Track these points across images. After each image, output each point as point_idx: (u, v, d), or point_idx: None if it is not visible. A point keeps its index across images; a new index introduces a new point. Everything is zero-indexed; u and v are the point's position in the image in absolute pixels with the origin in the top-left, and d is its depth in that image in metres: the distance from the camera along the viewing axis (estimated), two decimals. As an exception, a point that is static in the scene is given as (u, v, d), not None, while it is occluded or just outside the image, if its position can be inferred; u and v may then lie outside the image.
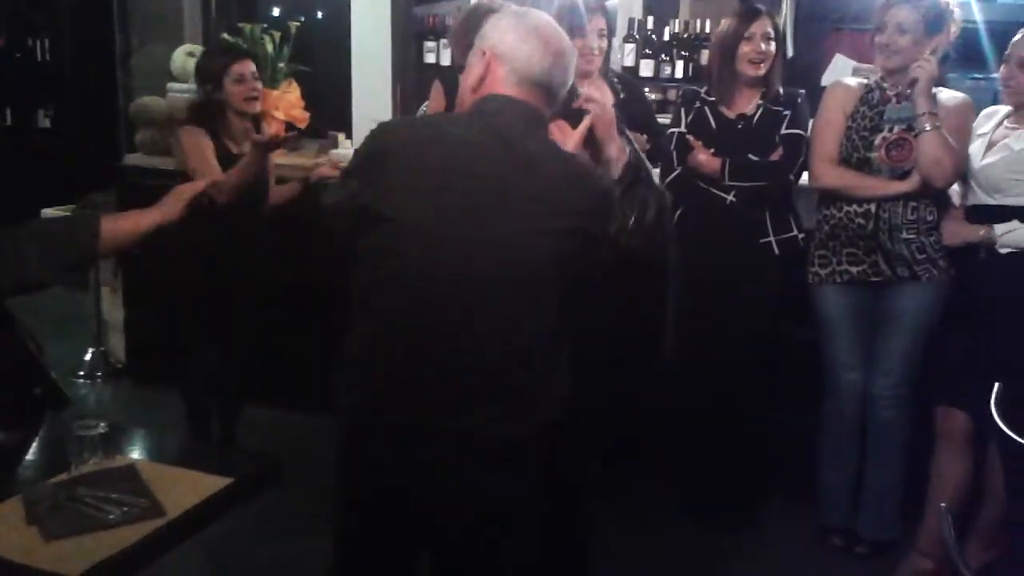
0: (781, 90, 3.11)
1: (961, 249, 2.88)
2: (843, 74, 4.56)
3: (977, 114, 2.97)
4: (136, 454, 1.97)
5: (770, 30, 3.07)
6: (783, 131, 3.06)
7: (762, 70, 3.07)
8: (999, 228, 2.78)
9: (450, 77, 3.57)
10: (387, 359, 1.73)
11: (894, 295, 2.94)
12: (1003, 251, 2.79)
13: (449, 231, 1.69)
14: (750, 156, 3.05)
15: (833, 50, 4.54)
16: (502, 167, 1.72)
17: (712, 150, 3.07)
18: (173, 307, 3.52)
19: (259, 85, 3.36)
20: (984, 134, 2.88)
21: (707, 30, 4.45)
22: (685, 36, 4.49)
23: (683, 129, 3.13)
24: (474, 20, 3.48)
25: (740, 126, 3.09)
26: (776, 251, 3.07)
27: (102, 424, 1.85)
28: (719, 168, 3.02)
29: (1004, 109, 2.89)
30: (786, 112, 3.06)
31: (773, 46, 3.07)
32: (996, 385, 2.04)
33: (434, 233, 1.69)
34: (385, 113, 4.73)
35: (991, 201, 2.82)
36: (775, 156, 3.05)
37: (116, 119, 4.67)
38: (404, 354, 1.72)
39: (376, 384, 1.75)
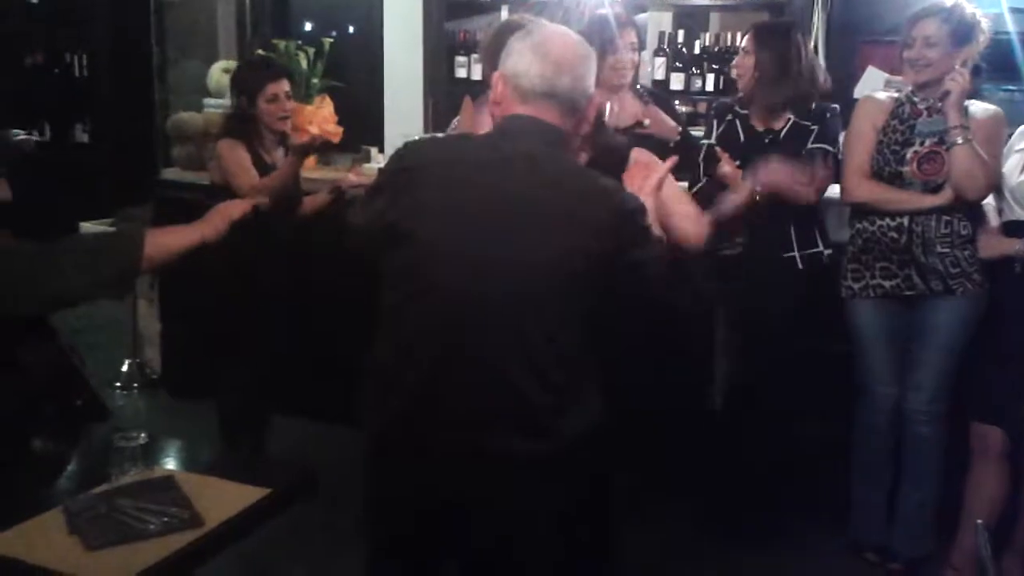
0: (814, 105, 3.08)
1: (996, 264, 2.87)
2: (875, 87, 4.55)
3: (1010, 126, 2.95)
4: (174, 465, 2.01)
5: (749, 43, 3.07)
6: (809, 146, 3.03)
7: (740, 82, 3.08)
8: (1034, 242, 2.77)
9: (480, 93, 3.62)
10: (409, 377, 1.76)
11: (928, 309, 2.92)
12: (1038, 266, 2.78)
13: (471, 250, 1.71)
14: None
15: (865, 63, 4.53)
16: (524, 185, 1.72)
17: (738, 163, 3.07)
18: (208, 319, 3.57)
19: (291, 105, 3.43)
20: (1022, 150, 2.86)
21: (738, 43, 4.45)
22: (716, 49, 4.48)
23: (712, 141, 3.14)
24: (502, 37, 3.51)
25: (768, 140, 3.08)
26: (800, 265, 3.05)
27: (142, 435, 1.88)
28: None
29: None
30: (814, 127, 3.04)
31: (750, 59, 3.05)
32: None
33: (456, 252, 1.72)
34: (417, 128, 4.79)
35: None
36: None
37: (153, 134, 4.74)
38: (425, 372, 1.74)
39: (399, 402, 1.78)
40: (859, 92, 4.33)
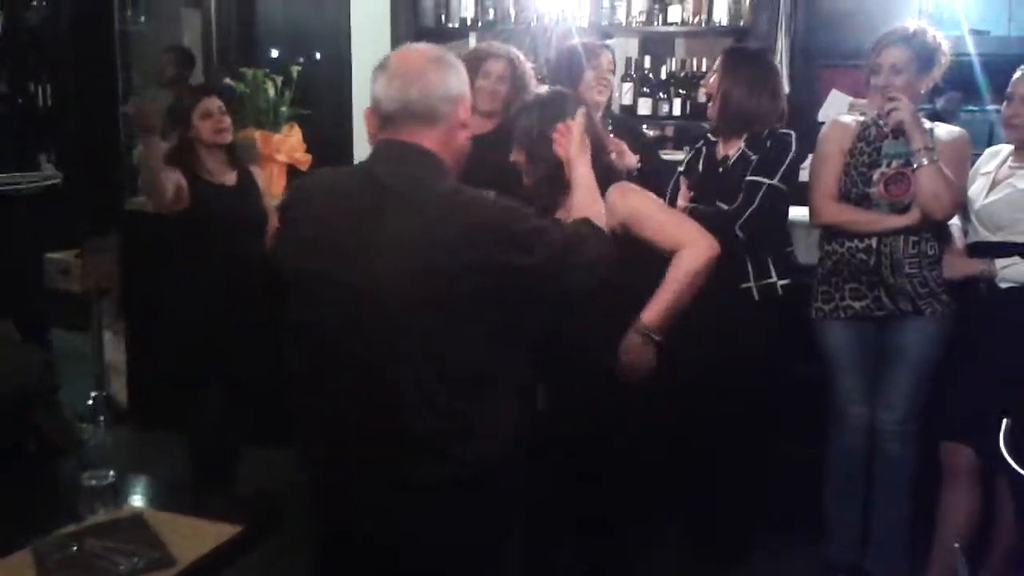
0: (765, 133, 2.99)
1: (962, 284, 2.90)
2: (839, 110, 4.62)
3: (973, 146, 3.00)
4: (143, 502, 1.97)
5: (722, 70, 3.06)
6: (747, 177, 2.94)
7: (714, 112, 3.08)
8: (1000, 263, 2.80)
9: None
10: (309, 412, 1.81)
11: (898, 329, 2.95)
12: (1003, 285, 2.81)
13: (342, 281, 1.72)
14: (719, 203, 2.96)
15: (828, 87, 4.60)
16: (374, 210, 1.71)
17: (692, 194, 3.08)
18: (177, 348, 3.53)
19: (227, 119, 3.45)
20: (988, 172, 2.91)
21: (704, 68, 4.50)
22: (682, 75, 4.53)
23: (682, 169, 3.16)
24: (469, 64, 3.53)
25: (720, 169, 3.05)
26: (756, 296, 2.99)
27: (111, 473, 1.85)
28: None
29: (1007, 148, 2.93)
30: (755, 156, 2.95)
31: (715, 79, 3.07)
32: (1004, 420, 2.04)
33: (330, 285, 1.74)
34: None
35: (993, 238, 2.85)
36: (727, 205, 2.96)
37: (118, 164, 4.70)
38: (321, 407, 1.78)
39: (304, 434, 1.83)
40: (823, 115, 4.39)
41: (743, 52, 3.21)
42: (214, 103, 3.41)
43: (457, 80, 1.81)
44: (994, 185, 2.88)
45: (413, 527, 1.75)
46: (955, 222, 2.99)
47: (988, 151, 3.01)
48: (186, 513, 1.89)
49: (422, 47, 1.86)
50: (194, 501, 2.10)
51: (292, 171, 4.36)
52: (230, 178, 3.49)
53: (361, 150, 4.81)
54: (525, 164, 2.40)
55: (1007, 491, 2.85)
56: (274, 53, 4.86)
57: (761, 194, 2.87)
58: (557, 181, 2.30)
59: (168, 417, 3.70)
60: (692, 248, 2.33)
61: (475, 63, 3.47)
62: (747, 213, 2.87)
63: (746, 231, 2.88)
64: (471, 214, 1.70)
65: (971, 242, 2.94)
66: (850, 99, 4.68)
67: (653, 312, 2.34)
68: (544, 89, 2.57)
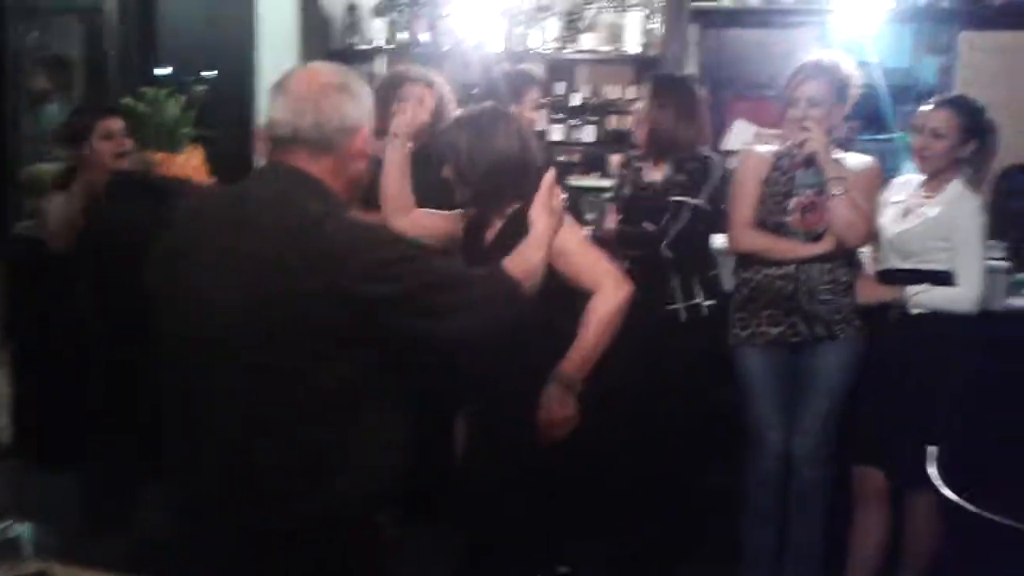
0: (691, 158, 3.08)
1: (873, 309, 2.96)
2: (744, 139, 4.72)
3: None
4: (43, 554, 1.81)
5: (644, 95, 3.11)
6: (671, 197, 3.02)
7: (637, 136, 3.11)
8: (911, 289, 2.87)
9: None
10: (171, 449, 1.73)
11: (813, 355, 2.98)
12: (914, 311, 2.88)
13: (180, 303, 1.68)
14: (646, 224, 3.02)
15: (734, 116, 4.70)
16: (232, 232, 1.64)
17: (622, 216, 3.09)
18: (69, 379, 3.33)
19: (128, 142, 3.31)
20: (899, 201, 2.99)
21: (614, 96, 4.54)
22: (594, 101, 4.57)
23: (611, 194, 3.16)
24: (387, 87, 3.46)
25: (650, 194, 3.10)
26: (682, 316, 3.04)
27: (14, 525, 1.70)
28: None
29: (918, 178, 3.01)
30: (682, 177, 3.05)
31: (645, 109, 3.09)
32: (932, 448, 2.07)
33: (169, 306, 1.70)
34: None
35: (904, 265, 2.92)
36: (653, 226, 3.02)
37: (5, 187, 4.43)
38: (180, 445, 1.71)
39: (168, 472, 1.74)
40: (729, 144, 4.48)
41: (670, 78, 3.24)
42: (115, 124, 3.26)
43: (356, 109, 1.72)
44: (906, 213, 2.96)
45: (264, 568, 1.64)
46: (864, 249, 3.06)
47: (897, 180, 3.09)
48: (94, 566, 1.75)
49: (324, 69, 1.78)
50: (95, 548, 1.94)
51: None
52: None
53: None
54: (455, 180, 2.38)
55: (918, 512, 2.92)
56: (174, 71, 4.68)
57: (685, 213, 2.93)
58: (489, 202, 2.28)
59: (61, 453, 3.48)
60: (605, 293, 2.31)
61: (394, 86, 3.41)
62: (673, 232, 2.92)
63: (672, 250, 2.93)
64: (329, 240, 1.59)
65: (883, 269, 3.00)
66: (755, 128, 4.80)
67: (572, 362, 2.31)
68: (474, 107, 2.54)
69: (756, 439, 3.10)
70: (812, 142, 2.83)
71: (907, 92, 4.36)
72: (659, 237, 2.95)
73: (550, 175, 1.99)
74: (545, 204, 1.94)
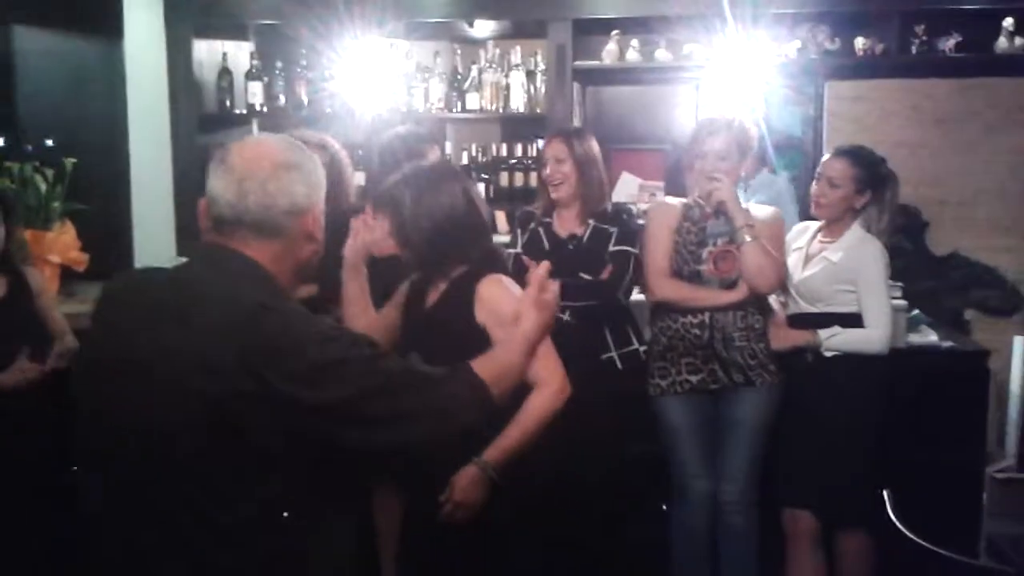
0: (609, 207, 3.15)
1: (789, 354, 3.03)
2: (630, 191, 4.83)
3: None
4: None
5: (562, 152, 3.10)
6: (611, 248, 3.08)
7: (561, 191, 3.10)
8: (823, 333, 2.96)
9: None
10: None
11: (732, 401, 3.02)
12: (828, 354, 2.96)
13: (100, 395, 1.52)
14: (582, 275, 3.06)
15: (619, 169, 4.79)
16: (158, 319, 1.48)
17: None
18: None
19: (1, 230, 3.06)
20: (800, 248, 3.09)
21: (504, 153, 4.55)
22: (483, 160, 4.56)
23: (519, 250, 3.12)
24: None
25: (572, 246, 3.11)
26: (619, 366, 3.07)
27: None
28: None
29: (815, 225, 3.12)
30: (612, 229, 3.09)
31: (568, 166, 3.08)
32: (885, 493, 2.10)
33: (87, 399, 1.55)
34: (168, 248, 4.43)
35: (813, 309, 3.01)
36: (605, 274, 3.07)
37: None
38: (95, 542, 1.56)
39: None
40: (616, 197, 4.55)
41: (580, 133, 3.23)
42: None
43: (307, 187, 1.58)
44: (808, 259, 3.06)
45: None
46: (773, 296, 3.13)
47: (796, 227, 3.20)
48: None
49: (272, 144, 1.61)
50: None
51: (66, 272, 3.92)
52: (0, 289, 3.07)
53: (143, 244, 4.44)
54: (397, 239, 2.25)
55: (850, 551, 2.98)
56: (38, 143, 4.39)
57: (631, 263, 3.03)
58: (433, 264, 2.23)
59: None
60: (545, 394, 2.21)
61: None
62: (625, 280, 3.02)
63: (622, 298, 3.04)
64: (265, 336, 1.43)
65: (792, 314, 3.08)
66: (639, 181, 4.91)
67: (497, 451, 2.20)
68: (418, 164, 2.45)
69: (680, 488, 3.10)
70: (722, 192, 2.90)
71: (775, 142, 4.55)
72: (614, 286, 3.02)
73: (543, 268, 1.82)
74: (535, 299, 1.77)
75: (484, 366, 1.64)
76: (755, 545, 3.07)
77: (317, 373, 1.43)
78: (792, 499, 3.02)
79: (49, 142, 4.29)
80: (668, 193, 4.77)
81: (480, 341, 2.11)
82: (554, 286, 1.81)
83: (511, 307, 2.08)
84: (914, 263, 4.42)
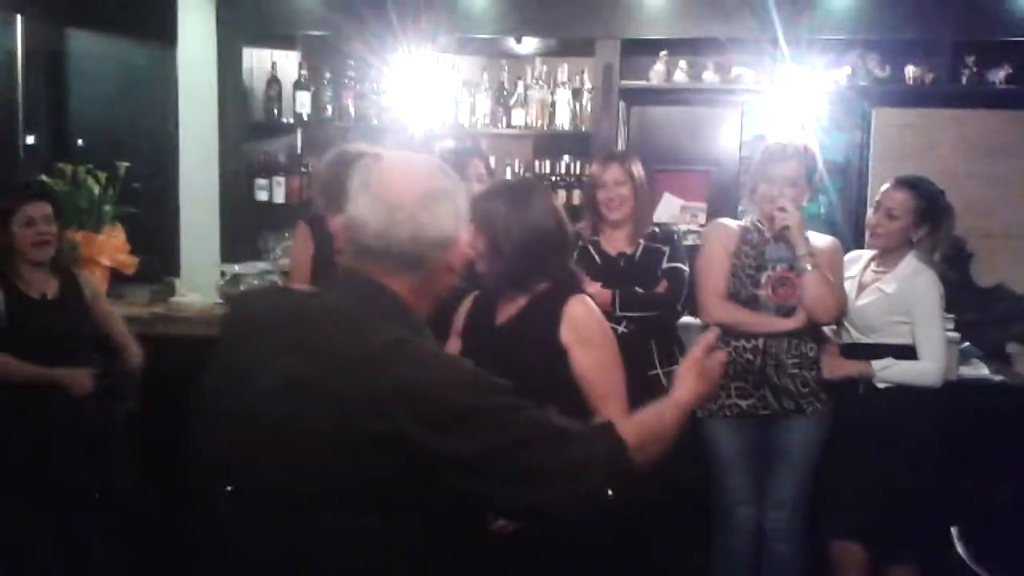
0: (658, 228, 3.25)
1: (841, 384, 3.01)
2: (672, 211, 4.82)
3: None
4: None
5: (621, 176, 3.17)
6: (664, 265, 3.16)
7: (619, 213, 3.16)
8: (876, 364, 2.94)
9: (317, 219, 3.40)
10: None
11: (782, 428, 3.01)
12: (881, 386, 2.94)
13: (215, 427, 1.46)
14: (637, 289, 3.10)
15: (661, 189, 4.78)
16: (289, 354, 1.39)
17: (600, 284, 3.08)
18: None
19: (53, 229, 3.10)
20: (852, 277, 3.07)
21: (547, 170, 4.56)
22: (528, 176, 4.56)
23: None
24: (335, 168, 3.36)
25: (623, 263, 3.15)
26: (664, 383, 3.07)
27: None
28: (609, 299, 3.03)
29: (867, 254, 3.11)
30: (665, 248, 3.19)
31: (627, 189, 3.16)
32: (953, 529, 2.08)
33: (203, 425, 1.48)
34: (213, 254, 4.46)
35: (867, 340, 2.99)
36: (660, 288, 3.12)
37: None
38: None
39: None
40: (657, 217, 4.55)
41: (633, 157, 3.27)
42: (39, 210, 3.03)
43: (454, 217, 1.49)
44: (861, 289, 3.05)
45: None
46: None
47: (848, 256, 3.18)
48: None
49: (421, 169, 1.51)
50: None
51: (115, 274, 3.96)
52: (51, 288, 3.11)
53: (190, 249, 4.46)
54: (487, 251, 2.21)
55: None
56: (90, 146, 4.44)
57: (685, 280, 3.12)
58: (519, 277, 2.22)
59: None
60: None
61: (346, 163, 3.31)
62: (682, 295, 3.12)
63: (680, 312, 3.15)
64: (396, 374, 1.33)
65: (844, 343, 3.06)
66: (681, 202, 4.91)
67: None
68: (508, 179, 2.46)
69: (724, 515, 3.09)
70: (788, 218, 2.89)
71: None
72: (673, 299, 3.11)
73: (713, 333, 1.74)
74: (698, 364, 1.66)
75: (630, 427, 1.52)
76: (800, 573, 3.06)
77: (451, 420, 1.34)
78: (841, 531, 3.00)
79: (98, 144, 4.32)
80: (710, 215, 4.82)
81: (560, 359, 2.12)
82: (721, 355, 1.70)
83: (598, 328, 2.13)
84: (958, 294, 4.37)
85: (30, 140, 4.32)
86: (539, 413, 1.42)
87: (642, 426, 1.55)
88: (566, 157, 4.57)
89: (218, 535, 1.46)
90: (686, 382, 1.65)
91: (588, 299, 2.26)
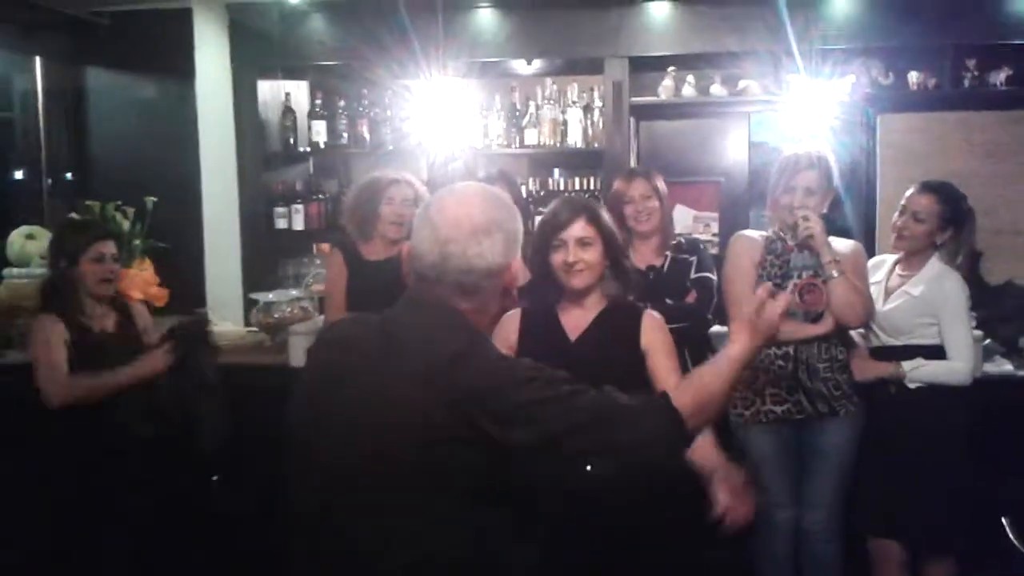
0: (683, 240, 3.37)
1: (871, 386, 3.08)
2: (685, 222, 4.90)
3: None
4: None
5: (648, 190, 3.31)
6: (693, 275, 3.28)
7: (648, 226, 3.27)
8: (907, 365, 3.01)
9: (348, 245, 3.48)
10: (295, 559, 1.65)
11: (817, 431, 3.07)
12: (912, 386, 3.02)
13: (318, 433, 1.61)
14: (667, 300, 3.18)
15: (672, 201, 4.87)
16: (375, 369, 1.56)
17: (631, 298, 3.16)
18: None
19: (118, 267, 3.19)
20: (878, 282, 3.15)
21: (562, 187, 4.64)
22: (541, 193, 4.65)
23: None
24: (365, 195, 3.44)
25: (652, 276, 3.23)
26: None
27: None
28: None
29: (891, 258, 3.19)
30: (692, 258, 3.31)
31: (654, 202, 3.30)
32: (1005, 519, 2.14)
33: (308, 437, 1.63)
34: (236, 283, 4.52)
35: (896, 342, 3.07)
36: (690, 299, 3.21)
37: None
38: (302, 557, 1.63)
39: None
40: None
41: (650, 172, 3.39)
42: (108, 248, 3.11)
43: (506, 245, 1.61)
44: (888, 293, 3.12)
45: None
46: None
47: (872, 261, 3.25)
48: None
49: (475, 202, 1.62)
50: None
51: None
52: (110, 323, 3.17)
53: (215, 279, 4.52)
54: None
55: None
56: (107, 180, 4.50)
57: (714, 288, 3.22)
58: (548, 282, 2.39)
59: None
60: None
61: (377, 188, 3.39)
62: (712, 304, 3.22)
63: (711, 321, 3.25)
64: (463, 380, 1.50)
65: (873, 346, 3.14)
66: (694, 212, 5.00)
67: None
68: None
69: (764, 518, 3.14)
70: (812, 227, 2.97)
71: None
72: (703, 308, 3.22)
73: (766, 287, 1.78)
74: (753, 321, 1.73)
75: (684, 395, 1.61)
76: (839, 573, 3.12)
77: (520, 413, 1.48)
78: (878, 529, 3.06)
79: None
80: (722, 224, 4.91)
81: (639, 366, 2.33)
82: (777, 306, 1.74)
83: (668, 336, 2.34)
84: (970, 292, 4.47)
85: (53, 179, 4.37)
86: (599, 394, 1.56)
87: (697, 392, 1.63)
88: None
89: (312, 531, 1.59)
90: (740, 339, 1.72)
91: (658, 318, 2.48)
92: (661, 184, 3.37)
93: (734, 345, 1.72)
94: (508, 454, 1.49)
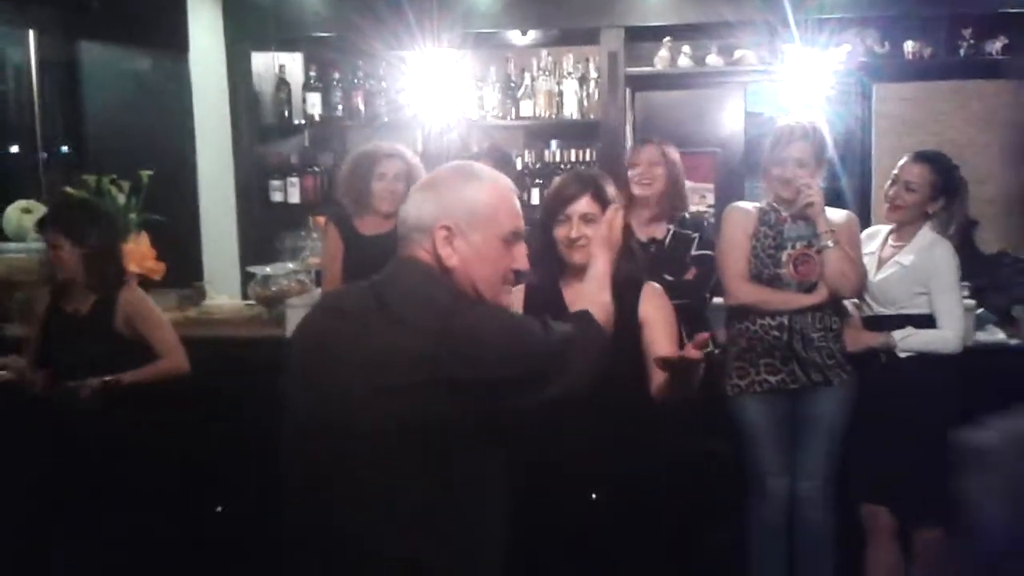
0: (687, 215, 3.33)
1: (863, 355, 3.11)
2: (681, 193, 4.89)
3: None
4: None
5: (656, 157, 3.30)
6: (693, 252, 3.26)
7: (648, 191, 3.28)
8: (897, 334, 3.04)
9: (344, 218, 3.49)
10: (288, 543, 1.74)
11: (810, 400, 3.10)
12: (903, 355, 3.05)
13: (301, 402, 1.70)
14: (665, 276, 3.16)
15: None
16: (374, 327, 1.65)
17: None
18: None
19: (64, 255, 3.10)
20: (872, 252, 3.17)
21: (558, 159, 4.64)
22: (537, 166, 4.65)
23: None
24: (359, 168, 3.45)
25: (653, 249, 3.23)
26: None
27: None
28: None
29: (884, 229, 3.21)
30: (695, 235, 3.30)
31: (660, 170, 3.28)
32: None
33: (292, 404, 1.72)
34: (233, 256, 4.53)
35: (888, 311, 3.09)
36: (689, 276, 3.20)
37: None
38: (296, 545, 1.71)
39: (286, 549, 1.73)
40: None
41: (659, 143, 3.38)
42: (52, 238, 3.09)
43: (440, 206, 1.72)
44: (881, 263, 3.14)
45: None
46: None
47: (866, 232, 3.27)
48: None
49: (448, 166, 1.82)
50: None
51: (142, 281, 4.02)
52: (85, 306, 3.12)
53: (211, 253, 4.54)
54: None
55: (928, 548, 3.06)
56: (101, 153, 4.49)
57: (713, 264, 3.19)
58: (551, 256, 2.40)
59: None
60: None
61: (369, 163, 3.40)
62: (711, 281, 3.21)
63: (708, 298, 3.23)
64: (448, 330, 1.60)
65: (866, 316, 3.17)
66: (690, 183, 4.98)
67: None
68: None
69: (758, 486, 3.19)
70: (813, 196, 2.98)
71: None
72: (701, 286, 3.21)
73: (616, 208, 2.10)
74: (605, 239, 2.06)
75: (594, 311, 1.89)
76: (832, 540, 3.16)
77: (508, 354, 1.64)
78: (869, 495, 3.10)
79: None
80: (718, 195, 4.92)
81: (637, 334, 2.35)
82: (618, 220, 2.10)
83: (669, 306, 2.38)
84: (963, 261, 4.49)
85: (48, 153, 4.37)
86: (558, 326, 1.75)
87: (596, 307, 1.91)
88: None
89: (308, 480, 1.68)
90: (599, 257, 2.05)
91: (657, 289, 2.47)
92: (673, 154, 3.36)
93: (597, 263, 2.05)
94: (490, 393, 1.61)
